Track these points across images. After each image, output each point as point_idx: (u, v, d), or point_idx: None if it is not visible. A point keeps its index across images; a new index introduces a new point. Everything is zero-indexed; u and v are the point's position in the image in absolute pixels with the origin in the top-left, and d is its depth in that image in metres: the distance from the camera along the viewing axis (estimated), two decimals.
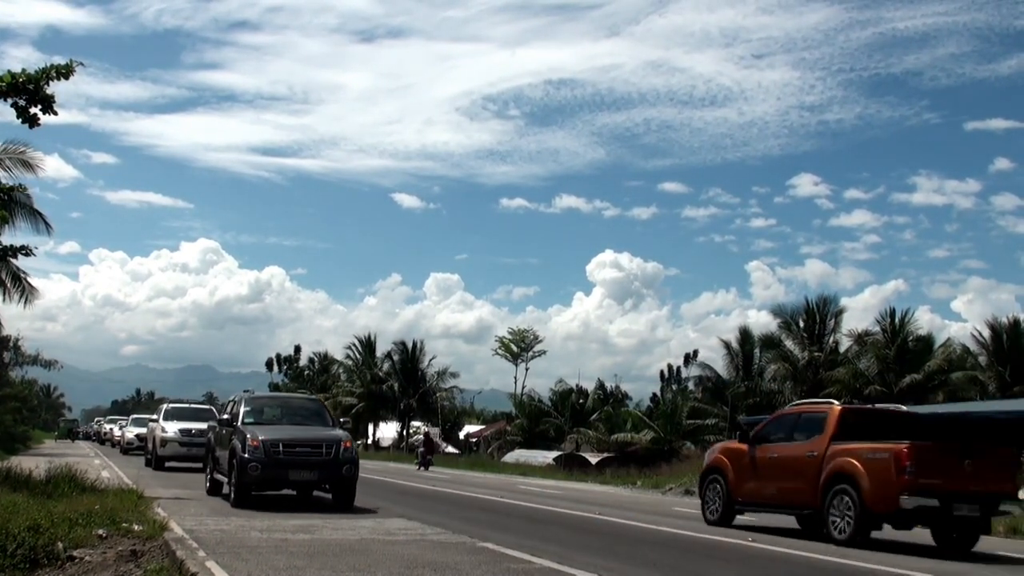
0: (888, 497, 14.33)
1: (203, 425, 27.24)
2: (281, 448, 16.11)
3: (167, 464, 28.84)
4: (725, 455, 17.93)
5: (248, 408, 18.06)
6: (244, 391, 19.98)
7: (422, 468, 40.93)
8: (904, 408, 19.81)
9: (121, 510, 13.28)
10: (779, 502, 16.61)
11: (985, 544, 15.59)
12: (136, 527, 11.97)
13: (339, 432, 17.29)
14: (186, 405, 34.32)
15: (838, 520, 14.95)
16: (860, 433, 15.55)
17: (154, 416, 32.91)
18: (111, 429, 62.74)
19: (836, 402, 17.54)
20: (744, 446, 17.33)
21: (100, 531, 11.57)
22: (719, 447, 19.12)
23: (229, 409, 18.95)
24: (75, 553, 10.47)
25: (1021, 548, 16.55)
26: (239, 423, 17.24)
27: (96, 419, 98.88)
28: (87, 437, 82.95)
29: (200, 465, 26.76)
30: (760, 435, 17.28)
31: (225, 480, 17.41)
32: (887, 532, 15.74)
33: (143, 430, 38.06)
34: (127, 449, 42.23)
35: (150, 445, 30.89)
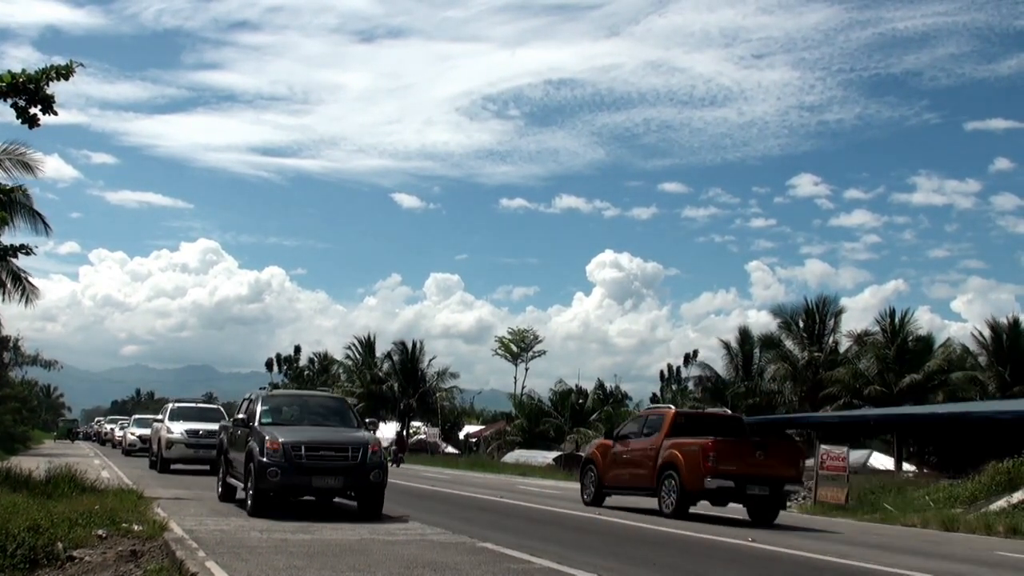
0: (698, 480, 18.50)
1: (211, 426, 26.46)
2: (303, 451, 14.73)
3: (173, 467, 27.43)
4: (597, 449, 22.37)
5: (266, 407, 16.56)
6: (260, 388, 18.78)
7: (394, 464, 41.50)
8: (730, 412, 25.43)
9: (121, 510, 13.27)
10: (631, 485, 20.81)
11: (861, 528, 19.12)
12: (136, 527, 11.97)
13: (366, 434, 15.98)
14: (192, 405, 32.28)
15: (666, 498, 19.13)
16: (689, 431, 19.89)
17: (158, 416, 31.67)
18: (111, 429, 61.33)
19: (672, 407, 23.18)
20: (610, 442, 21.82)
21: (100, 531, 11.57)
22: (595, 443, 24.30)
23: (244, 408, 17.41)
24: (75, 553, 10.47)
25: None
26: (256, 423, 15.87)
27: (96, 419, 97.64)
28: (87, 437, 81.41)
29: (207, 468, 25.92)
30: (621, 434, 21.71)
31: (240, 485, 16.27)
32: (727, 510, 20.60)
33: (146, 431, 36.98)
34: (129, 450, 40.96)
35: (154, 446, 29.43)
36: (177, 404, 30.59)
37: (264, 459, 14.56)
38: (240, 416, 16.87)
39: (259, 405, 16.56)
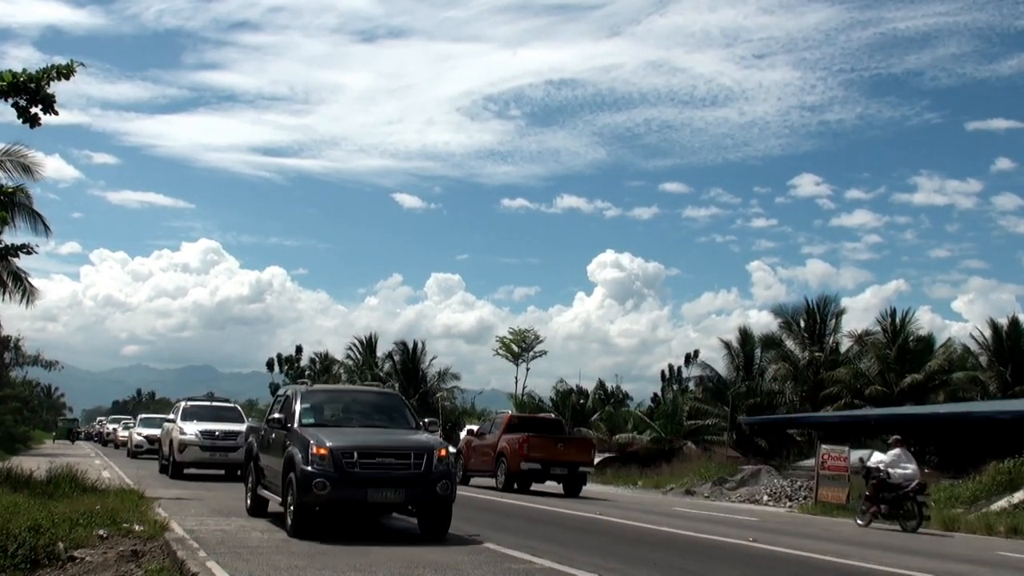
0: (517, 464, 25.66)
1: (228, 426, 25.42)
2: (356, 458, 12.22)
3: (186, 471, 25.32)
4: (466, 443, 29.76)
5: (306, 405, 13.99)
6: (299, 381, 16.63)
7: None
8: (553, 416, 35.65)
9: (122, 510, 13.28)
10: (482, 468, 27.73)
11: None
12: (137, 527, 11.97)
13: (428, 437, 13.43)
14: (207, 403, 29.52)
15: (500, 477, 26.38)
16: (519, 429, 26.98)
17: (169, 416, 29.33)
18: (114, 429, 59.49)
19: (509, 412, 34.03)
20: (473, 437, 29.34)
21: (101, 531, 11.57)
22: (464, 438, 31.84)
23: (280, 407, 14.77)
24: (76, 553, 10.47)
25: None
26: (295, 424, 13.40)
27: (98, 419, 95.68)
28: (88, 438, 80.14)
29: (222, 472, 25.39)
30: (480, 431, 29.40)
31: (274, 498, 13.84)
32: (548, 487, 27.27)
33: (155, 431, 34.59)
34: (136, 452, 38.07)
35: (165, 449, 26.97)
36: (190, 403, 28.40)
37: (309, 468, 12.15)
38: (276, 416, 14.10)
39: (298, 403, 13.98)
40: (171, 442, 25.71)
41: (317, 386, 16.45)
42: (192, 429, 25.20)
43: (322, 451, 12.21)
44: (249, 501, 15.21)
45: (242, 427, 24.28)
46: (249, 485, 15.39)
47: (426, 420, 14.43)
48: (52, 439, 74.88)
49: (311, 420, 13.63)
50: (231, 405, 30.26)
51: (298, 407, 13.82)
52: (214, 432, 25.05)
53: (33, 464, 22.07)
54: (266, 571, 9.54)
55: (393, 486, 12.35)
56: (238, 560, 10.08)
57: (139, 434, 38.85)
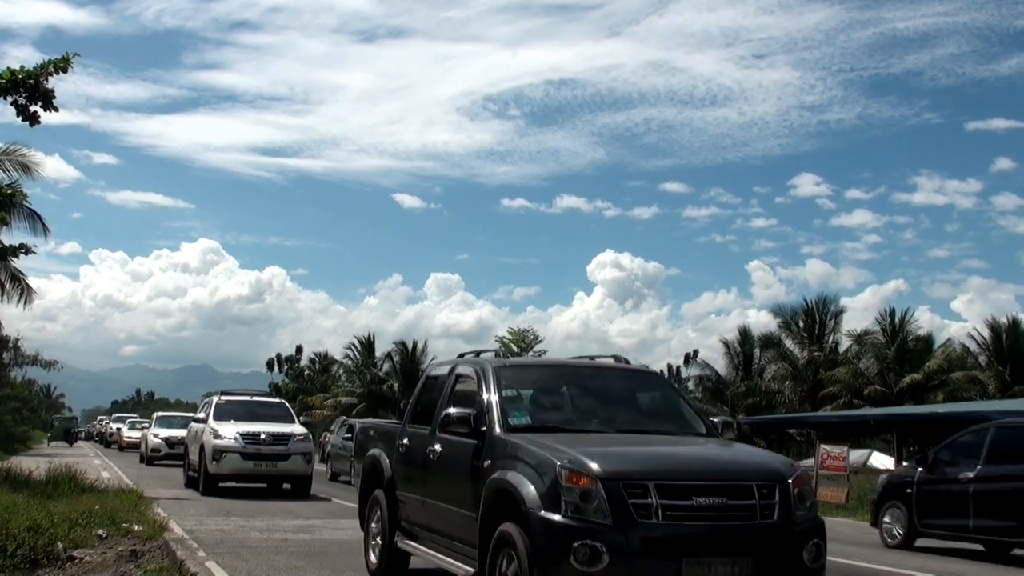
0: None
1: (276, 427, 20.32)
2: (656, 496, 6.30)
3: (222, 485, 20.11)
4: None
5: (511, 390, 8.06)
6: (483, 352, 8.96)
7: None
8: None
9: (121, 510, 13.27)
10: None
11: None
12: (136, 527, 11.96)
13: (766, 456, 7.96)
14: (247, 398, 22.72)
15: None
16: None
17: (198, 414, 23.58)
18: (118, 429, 53.49)
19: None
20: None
21: (100, 531, 11.56)
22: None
23: (445, 390, 8.66)
24: (75, 553, 10.45)
25: None
26: (499, 427, 7.44)
27: (99, 417, 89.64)
28: (88, 437, 75.42)
29: (264, 486, 20.78)
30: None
31: (435, 556, 8.20)
32: None
33: (178, 432, 30.53)
34: (153, 458, 32.99)
35: (193, 456, 21.57)
36: (227, 397, 22.39)
37: (558, 517, 6.27)
38: (463, 412, 7.63)
39: (495, 388, 7.81)
40: (202, 448, 20.32)
41: (517, 360, 10.42)
42: (229, 431, 19.88)
43: (583, 480, 6.33)
44: (375, 558, 9.43)
45: (293, 428, 20.80)
46: (373, 531, 9.54)
47: (718, 420, 8.46)
48: (47, 440, 66.41)
49: (526, 421, 7.79)
50: (276, 400, 24.74)
51: (494, 397, 7.75)
52: (259, 435, 19.88)
53: (32, 464, 22.04)
54: (265, 571, 9.52)
55: (731, 552, 6.41)
56: (237, 560, 10.07)
57: (157, 436, 33.68)
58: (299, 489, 20.11)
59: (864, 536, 17.80)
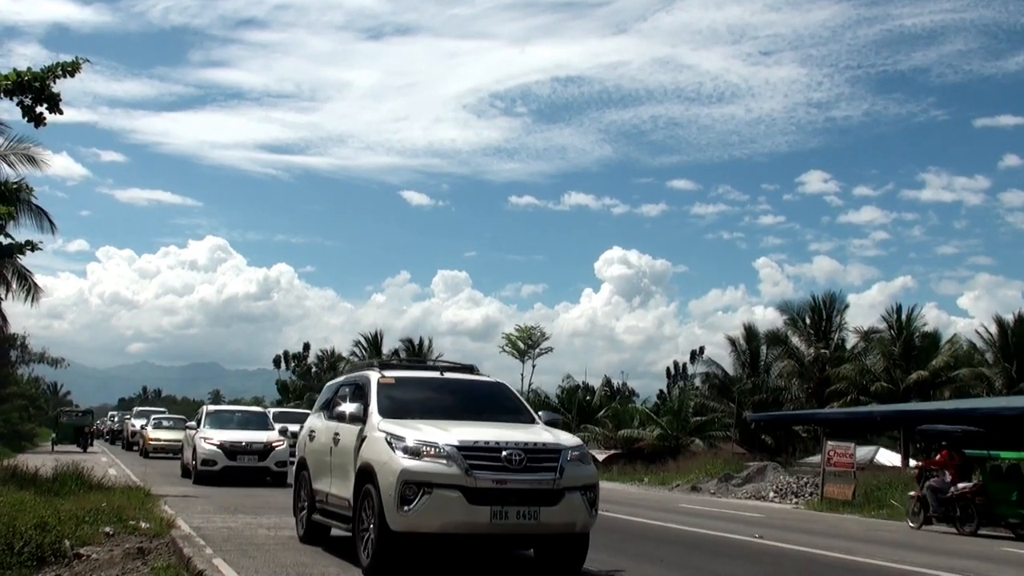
0: None
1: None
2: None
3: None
4: None
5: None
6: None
7: None
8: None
9: (128, 508, 13.30)
10: None
11: None
12: (143, 525, 11.99)
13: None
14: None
15: None
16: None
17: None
18: (142, 427, 40.94)
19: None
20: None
21: (107, 529, 11.58)
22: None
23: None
24: (82, 551, 10.48)
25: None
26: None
27: (110, 413, 73.95)
28: (99, 436, 60.73)
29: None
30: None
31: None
32: None
33: (247, 436, 23.09)
34: (204, 474, 22.16)
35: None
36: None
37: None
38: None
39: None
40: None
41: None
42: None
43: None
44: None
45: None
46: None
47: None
48: (51, 442, 47.52)
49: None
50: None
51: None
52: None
53: (39, 462, 22.08)
54: (272, 568, 9.55)
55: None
56: (244, 557, 10.09)
57: (209, 440, 22.78)
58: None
59: (872, 533, 17.79)
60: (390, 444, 9.32)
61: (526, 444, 9.29)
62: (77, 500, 13.97)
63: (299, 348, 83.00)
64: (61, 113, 14.68)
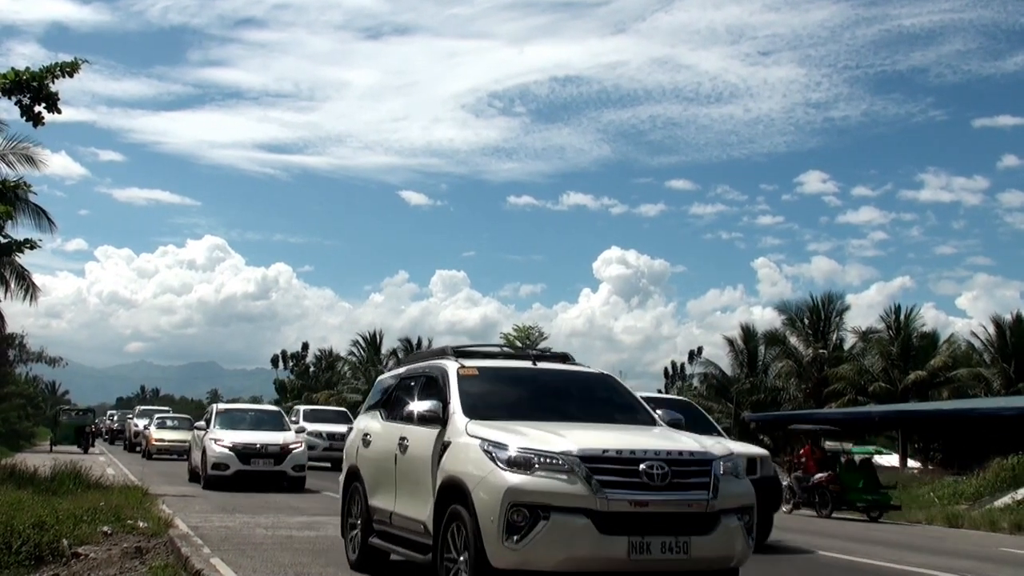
0: None
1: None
2: None
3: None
4: None
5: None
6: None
7: None
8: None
9: (126, 507, 13.27)
10: None
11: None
12: (141, 524, 11.97)
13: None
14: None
15: None
16: None
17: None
18: (145, 427, 39.04)
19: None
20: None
21: (105, 528, 11.57)
22: None
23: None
24: (80, 550, 10.47)
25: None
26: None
27: (109, 412, 70.19)
28: (98, 436, 54.46)
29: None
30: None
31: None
32: None
33: (260, 437, 21.31)
34: (214, 479, 20.41)
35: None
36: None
37: None
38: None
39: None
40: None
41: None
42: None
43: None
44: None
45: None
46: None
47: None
48: (50, 442, 45.62)
49: None
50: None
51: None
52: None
53: (37, 461, 22.06)
54: (270, 567, 9.54)
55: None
56: (242, 557, 10.09)
57: (220, 442, 20.89)
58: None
59: (869, 533, 17.80)
60: (488, 453, 7.15)
61: (668, 453, 7.07)
62: (75, 499, 13.93)
63: (297, 348, 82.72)
64: (59, 112, 14.69)
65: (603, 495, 6.73)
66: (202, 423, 22.80)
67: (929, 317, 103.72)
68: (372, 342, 69.77)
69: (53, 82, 14.46)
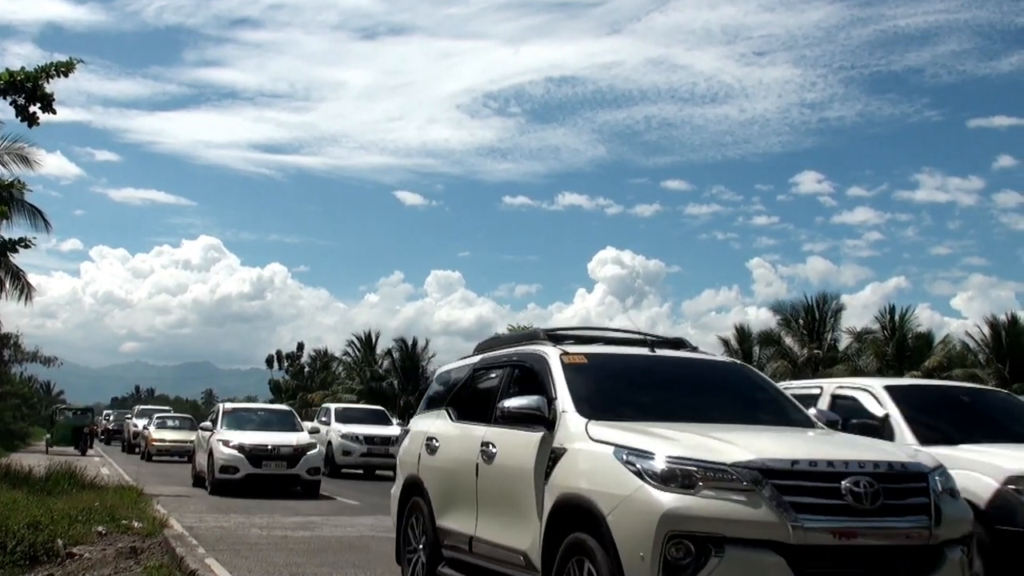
0: None
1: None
2: None
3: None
4: None
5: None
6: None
7: None
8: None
9: (121, 507, 13.28)
10: None
11: None
12: (136, 524, 11.98)
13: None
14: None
15: None
16: None
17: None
18: (144, 427, 37.82)
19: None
20: None
21: (100, 528, 11.57)
22: None
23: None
24: (75, 550, 10.47)
25: None
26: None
27: (105, 412, 68.83)
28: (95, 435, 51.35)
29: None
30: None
31: None
32: None
33: (272, 438, 19.98)
34: (222, 482, 19.08)
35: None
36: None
37: None
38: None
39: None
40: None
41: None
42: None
43: None
44: None
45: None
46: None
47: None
48: (46, 443, 42.54)
49: None
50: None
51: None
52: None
53: (33, 461, 22.04)
54: (265, 568, 9.56)
55: None
56: (237, 557, 10.10)
57: (228, 444, 19.57)
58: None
59: None
60: (629, 464, 5.27)
61: (876, 465, 5.26)
62: (70, 499, 13.93)
63: (292, 348, 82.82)
64: (55, 113, 14.67)
65: (797, 522, 4.91)
66: (208, 423, 21.64)
67: (924, 318, 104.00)
68: (367, 342, 69.78)
69: (48, 82, 14.44)
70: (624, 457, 5.34)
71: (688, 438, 5.49)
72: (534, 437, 6.24)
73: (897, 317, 46.14)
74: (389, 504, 9.08)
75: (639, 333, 8.12)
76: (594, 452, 5.63)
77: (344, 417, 27.44)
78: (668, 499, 5.03)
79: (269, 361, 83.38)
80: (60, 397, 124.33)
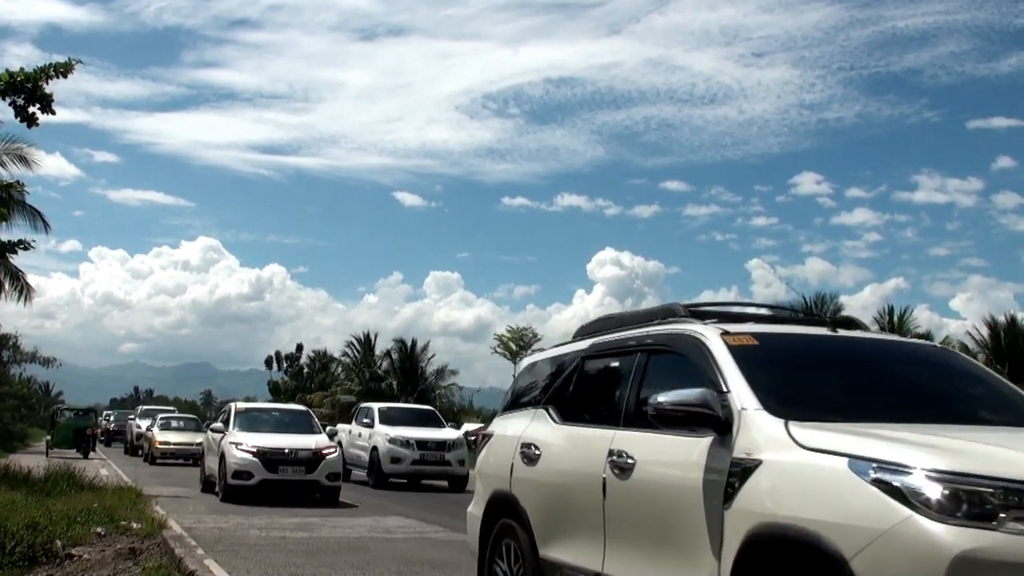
0: None
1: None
2: None
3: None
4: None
5: None
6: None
7: None
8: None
9: (120, 508, 13.27)
10: None
11: None
12: (135, 525, 11.97)
13: None
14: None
15: None
16: None
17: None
18: (148, 427, 36.31)
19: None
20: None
21: (99, 529, 11.57)
22: None
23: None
24: (73, 551, 10.47)
25: None
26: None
27: (105, 412, 65.62)
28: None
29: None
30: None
31: None
32: None
33: (289, 442, 18.63)
34: (234, 488, 17.80)
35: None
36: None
37: None
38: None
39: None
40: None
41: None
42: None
43: None
44: None
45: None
46: None
47: None
48: (46, 444, 40.05)
49: None
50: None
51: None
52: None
53: (32, 463, 22.02)
54: (264, 569, 9.56)
55: None
56: (236, 558, 10.10)
57: (241, 446, 18.20)
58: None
59: None
60: (879, 483, 3.60)
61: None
62: (69, 500, 13.93)
63: (291, 348, 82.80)
64: (54, 113, 14.69)
65: None
66: (219, 424, 20.19)
67: (923, 319, 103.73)
68: (366, 343, 69.76)
69: (47, 83, 14.46)
70: (871, 473, 3.64)
71: (952, 444, 3.82)
72: (699, 443, 4.56)
73: (896, 318, 46.09)
74: (383, 504, 8.22)
75: (793, 309, 5.87)
76: (814, 465, 3.93)
77: (389, 418, 24.37)
78: (957, 537, 3.32)
79: (268, 362, 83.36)
80: (59, 398, 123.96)
